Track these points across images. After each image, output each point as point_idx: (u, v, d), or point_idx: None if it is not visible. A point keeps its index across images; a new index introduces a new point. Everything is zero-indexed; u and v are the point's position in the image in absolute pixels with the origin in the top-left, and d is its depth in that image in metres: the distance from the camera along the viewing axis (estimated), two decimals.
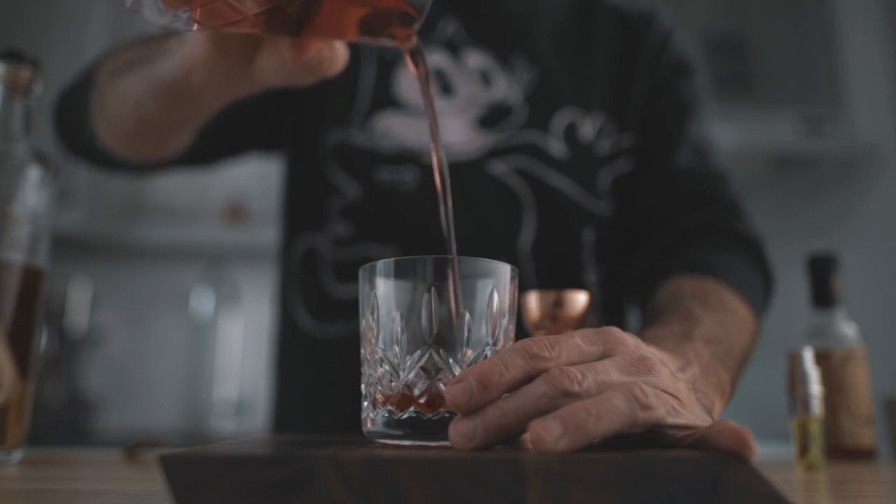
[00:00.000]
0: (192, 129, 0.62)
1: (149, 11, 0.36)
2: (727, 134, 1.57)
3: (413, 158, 0.73)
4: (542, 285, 0.70)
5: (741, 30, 1.96)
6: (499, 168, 0.73)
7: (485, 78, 0.76)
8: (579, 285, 0.73)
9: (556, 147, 0.74)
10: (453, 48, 0.77)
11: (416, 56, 0.41)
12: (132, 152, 0.68)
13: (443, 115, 0.74)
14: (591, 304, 0.74)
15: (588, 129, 0.76)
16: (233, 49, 0.44)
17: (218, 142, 0.75)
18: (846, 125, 1.82)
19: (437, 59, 0.76)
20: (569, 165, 0.74)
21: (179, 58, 0.48)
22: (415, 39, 0.41)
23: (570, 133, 0.75)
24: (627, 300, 0.79)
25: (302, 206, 0.80)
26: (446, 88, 0.75)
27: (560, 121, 0.76)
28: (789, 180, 2.02)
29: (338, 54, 0.43)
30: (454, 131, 0.74)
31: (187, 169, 0.78)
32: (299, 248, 0.78)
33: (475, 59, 0.76)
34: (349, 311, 0.73)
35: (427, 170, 0.72)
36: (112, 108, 0.63)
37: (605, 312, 0.76)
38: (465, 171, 0.73)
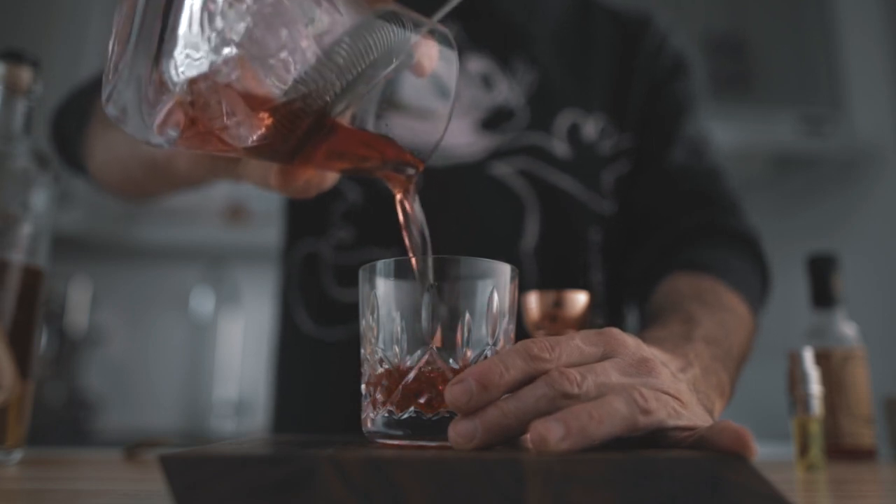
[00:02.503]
0: (177, 192, 0.64)
1: (133, 127, 0.33)
2: (727, 134, 1.57)
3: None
4: (545, 286, 0.70)
5: (741, 30, 1.96)
6: (501, 169, 0.73)
7: (486, 81, 0.76)
8: (584, 285, 0.74)
9: (560, 147, 0.74)
10: None
11: (405, 201, 0.39)
12: (121, 196, 0.72)
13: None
14: (595, 304, 0.74)
15: (591, 129, 0.76)
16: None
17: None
18: (846, 125, 1.82)
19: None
20: (573, 165, 0.74)
21: None
22: (411, 188, 0.39)
23: (574, 133, 0.76)
24: (627, 300, 0.79)
25: (304, 211, 0.80)
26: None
27: (563, 122, 0.76)
28: (789, 180, 2.02)
29: (326, 178, 0.41)
30: (456, 134, 0.74)
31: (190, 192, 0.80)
32: (301, 252, 0.78)
33: (476, 65, 0.77)
34: (350, 314, 0.73)
35: (429, 173, 0.72)
36: (100, 159, 0.66)
37: (610, 312, 0.76)
38: (467, 173, 0.73)
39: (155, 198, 0.71)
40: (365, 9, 0.34)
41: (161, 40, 0.31)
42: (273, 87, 0.31)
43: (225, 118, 0.32)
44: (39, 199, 0.53)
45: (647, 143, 0.77)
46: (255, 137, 0.33)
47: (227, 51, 0.30)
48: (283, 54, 0.31)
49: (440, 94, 0.38)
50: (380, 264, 0.36)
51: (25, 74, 0.55)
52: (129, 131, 0.34)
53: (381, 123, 0.36)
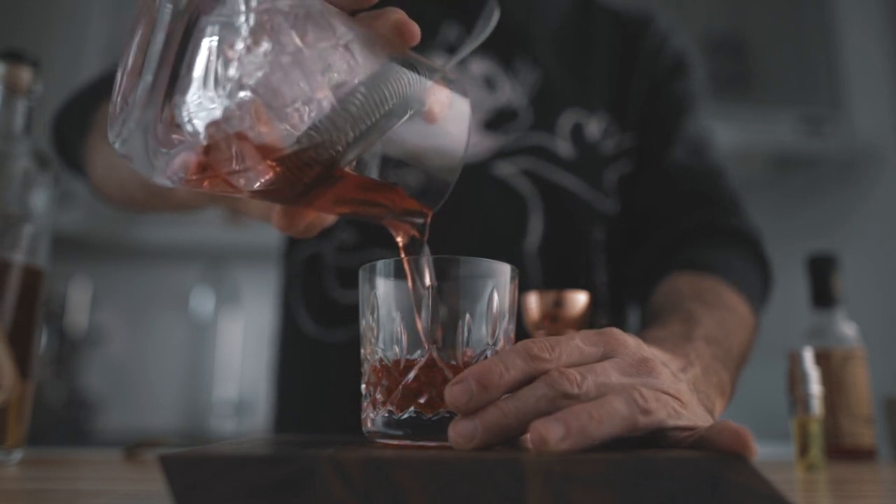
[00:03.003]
0: (176, 213, 0.65)
1: (140, 165, 0.32)
2: (727, 134, 1.57)
3: None
4: (549, 285, 0.70)
5: (741, 30, 1.96)
6: (505, 169, 0.74)
7: (489, 83, 0.76)
8: (588, 285, 0.74)
9: (563, 147, 0.75)
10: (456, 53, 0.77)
11: (412, 248, 0.39)
12: (122, 208, 0.73)
13: None
14: (599, 304, 0.74)
15: (594, 128, 0.76)
16: None
17: None
18: (846, 125, 1.82)
19: (440, 64, 0.76)
20: (576, 165, 0.74)
21: None
22: (414, 235, 0.39)
23: (577, 133, 0.76)
24: (628, 300, 0.79)
25: None
26: None
27: (566, 121, 0.76)
28: (789, 180, 2.02)
29: (328, 217, 0.41)
30: None
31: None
32: (303, 253, 0.78)
33: (479, 66, 0.77)
34: (352, 315, 0.73)
35: None
36: (101, 174, 0.67)
37: (613, 312, 0.76)
38: (470, 174, 0.73)
39: (154, 213, 0.73)
40: (380, 54, 0.34)
41: (174, 80, 0.31)
42: (286, 135, 0.30)
43: (234, 163, 0.31)
44: (39, 199, 0.53)
45: (648, 143, 0.77)
46: (262, 182, 0.32)
47: (242, 95, 0.29)
48: (299, 104, 0.30)
49: (452, 142, 0.37)
50: (380, 264, 0.36)
51: (25, 74, 0.55)
52: (135, 168, 0.33)
53: (390, 171, 0.36)
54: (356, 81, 0.32)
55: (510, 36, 0.79)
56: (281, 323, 0.81)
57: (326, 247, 0.76)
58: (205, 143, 0.30)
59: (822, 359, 0.66)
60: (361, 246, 0.74)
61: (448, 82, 0.38)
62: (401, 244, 0.39)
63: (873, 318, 1.49)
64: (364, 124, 0.32)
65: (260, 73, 0.29)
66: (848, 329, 0.69)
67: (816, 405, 0.51)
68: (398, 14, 0.35)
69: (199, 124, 0.30)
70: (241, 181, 0.32)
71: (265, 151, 0.31)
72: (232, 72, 0.29)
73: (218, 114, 0.30)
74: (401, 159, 0.36)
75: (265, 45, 0.29)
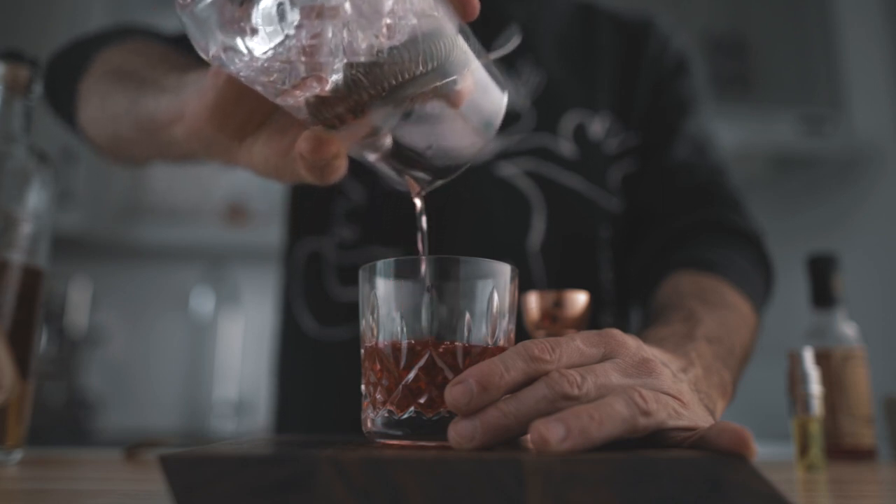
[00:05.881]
0: (166, 160, 0.58)
1: (199, 33, 0.31)
2: (727, 134, 1.57)
3: None
4: (553, 285, 0.70)
5: (741, 30, 1.96)
6: (508, 170, 0.74)
7: None
8: (593, 284, 0.74)
9: (566, 147, 0.75)
10: None
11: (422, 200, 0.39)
12: (108, 153, 0.66)
13: None
14: (604, 302, 0.74)
15: (597, 127, 0.76)
16: (228, 125, 0.40)
17: None
18: (846, 125, 1.82)
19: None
20: (579, 164, 0.75)
21: (170, 103, 0.44)
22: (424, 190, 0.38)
23: (580, 133, 0.76)
24: (630, 297, 0.79)
25: (307, 210, 0.80)
26: None
27: (568, 122, 0.76)
28: (789, 180, 2.02)
29: (340, 169, 0.38)
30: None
31: (178, 164, 0.77)
32: (303, 252, 0.78)
33: None
34: (353, 314, 0.73)
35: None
36: (92, 113, 0.62)
37: (618, 310, 0.76)
38: (474, 175, 0.73)
39: (140, 163, 0.65)
40: (454, 17, 0.35)
41: None
42: (368, 45, 0.31)
43: (303, 56, 0.31)
44: (39, 199, 0.53)
45: (650, 140, 0.77)
46: (313, 84, 0.32)
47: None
48: (390, 20, 0.31)
49: (479, 122, 0.37)
50: (380, 264, 0.36)
51: (25, 74, 0.55)
52: (193, 36, 0.32)
53: (412, 131, 0.36)
54: (436, 26, 0.33)
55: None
56: (282, 322, 0.81)
57: (327, 244, 0.76)
58: (289, 30, 0.30)
59: (822, 359, 0.66)
60: (362, 243, 0.74)
61: (491, 69, 0.38)
62: (416, 201, 0.39)
63: (873, 318, 1.49)
64: (425, 66, 0.33)
65: None
66: (848, 329, 0.68)
67: (816, 405, 0.51)
68: None
69: (282, 10, 0.30)
70: (299, 77, 0.32)
71: (350, 51, 0.31)
72: None
73: (313, 3, 0.30)
74: (426, 123, 0.36)
75: None
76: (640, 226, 0.75)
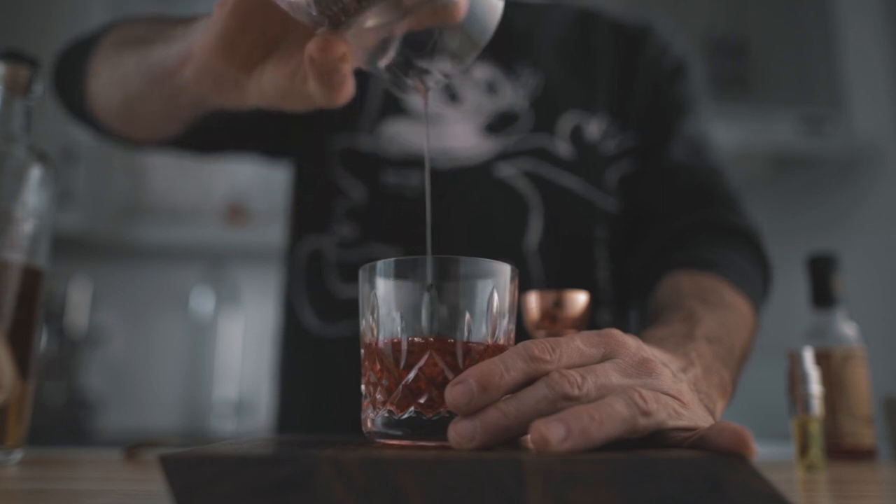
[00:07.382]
0: (175, 120, 0.60)
1: None
2: (727, 134, 1.57)
3: (419, 162, 0.74)
4: (551, 285, 0.70)
5: (741, 30, 1.96)
6: (506, 171, 0.74)
7: (491, 88, 0.77)
8: (591, 284, 0.74)
9: (563, 148, 0.75)
10: None
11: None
12: (118, 127, 0.67)
13: (450, 122, 0.75)
14: (602, 302, 0.74)
15: (594, 128, 0.77)
16: (237, 55, 0.42)
17: (217, 135, 0.75)
18: (846, 125, 1.82)
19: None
20: (576, 165, 0.75)
21: (179, 47, 0.47)
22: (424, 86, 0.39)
23: (577, 134, 0.76)
24: (629, 297, 0.79)
25: (308, 209, 0.80)
26: (453, 97, 0.76)
27: (566, 123, 0.76)
28: (789, 180, 2.02)
29: (347, 79, 0.40)
30: (461, 138, 0.74)
31: (182, 154, 0.78)
32: (305, 250, 0.78)
33: (481, 72, 0.78)
34: (354, 310, 0.73)
35: (433, 173, 0.72)
36: (103, 77, 0.63)
37: (617, 309, 0.76)
38: (471, 176, 0.73)
39: (157, 126, 0.64)
40: None
41: None
42: None
43: None
44: (39, 198, 0.53)
45: (648, 141, 0.78)
46: None
47: None
48: None
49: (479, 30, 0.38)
50: (380, 264, 0.36)
51: (25, 74, 0.55)
52: None
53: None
54: None
55: (513, 43, 0.80)
56: (283, 321, 0.81)
57: (328, 242, 0.76)
58: None
59: (822, 359, 0.66)
60: (363, 241, 0.74)
61: None
62: (419, 89, 0.39)
63: (873, 318, 1.49)
64: None
65: None
66: (848, 329, 0.69)
67: (816, 405, 0.51)
68: None
69: None
70: None
71: None
72: None
73: None
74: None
75: None
76: (639, 226, 0.75)
